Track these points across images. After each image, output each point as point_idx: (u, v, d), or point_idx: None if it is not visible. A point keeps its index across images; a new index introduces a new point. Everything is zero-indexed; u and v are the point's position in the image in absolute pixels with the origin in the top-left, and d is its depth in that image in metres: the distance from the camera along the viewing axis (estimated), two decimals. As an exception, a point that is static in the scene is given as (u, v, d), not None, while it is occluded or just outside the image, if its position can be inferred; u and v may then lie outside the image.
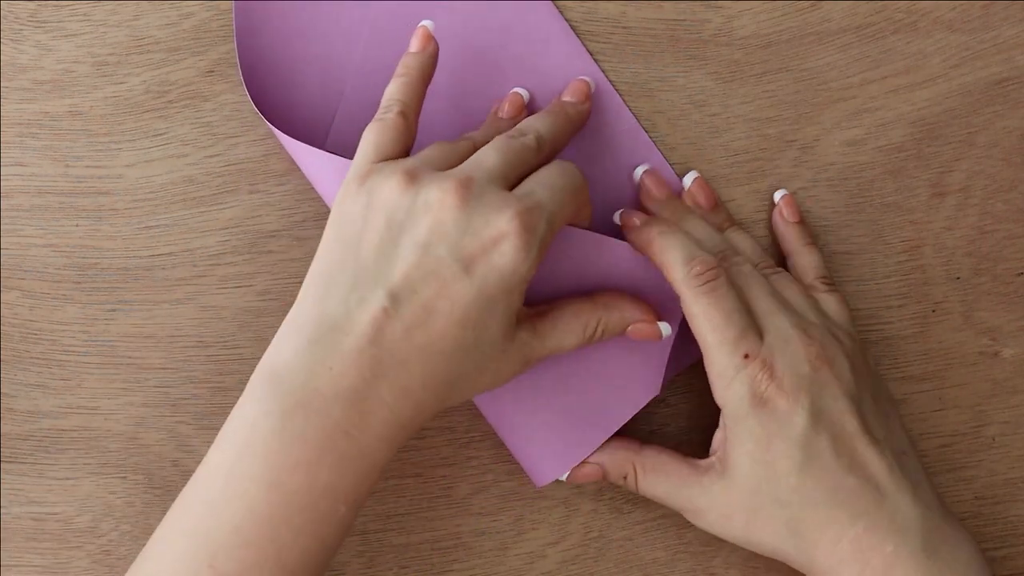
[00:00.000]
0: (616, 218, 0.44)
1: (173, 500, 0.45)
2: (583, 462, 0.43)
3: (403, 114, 0.39)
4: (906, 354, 0.46)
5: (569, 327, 0.40)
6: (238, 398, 0.45)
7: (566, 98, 0.44)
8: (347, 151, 0.44)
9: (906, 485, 0.39)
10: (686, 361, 0.45)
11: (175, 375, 0.45)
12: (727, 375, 0.39)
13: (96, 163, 0.45)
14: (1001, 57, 0.46)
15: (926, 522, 0.38)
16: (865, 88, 0.46)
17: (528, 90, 0.45)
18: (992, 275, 0.46)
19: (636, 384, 0.45)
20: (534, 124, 0.41)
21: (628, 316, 0.41)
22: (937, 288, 0.46)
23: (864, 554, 0.38)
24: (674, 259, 0.40)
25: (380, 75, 0.44)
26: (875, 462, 0.39)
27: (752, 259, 0.44)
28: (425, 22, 0.42)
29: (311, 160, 0.43)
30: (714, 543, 0.46)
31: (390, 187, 0.36)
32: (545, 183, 0.38)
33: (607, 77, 0.45)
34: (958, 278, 0.46)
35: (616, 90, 0.45)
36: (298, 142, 0.43)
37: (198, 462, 0.45)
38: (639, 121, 0.46)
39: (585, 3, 0.46)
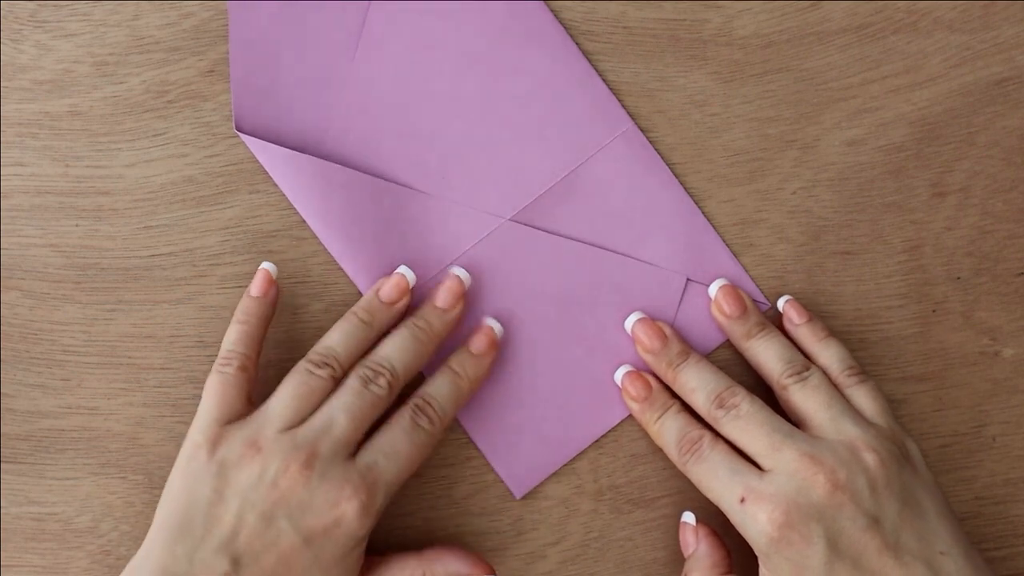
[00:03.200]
0: (617, 377, 0.45)
1: (173, 500, 0.45)
2: (689, 525, 0.44)
3: (243, 368, 0.41)
4: (906, 354, 0.46)
5: None
6: (238, 398, 0.44)
7: (437, 303, 0.43)
8: (345, 159, 0.44)
9: None
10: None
11: (175, 375, 0.45)
12: (737, 521, 0.40)
13: (96, 163, 0.45)
14: (1001, 57, 0.46)
15: None
16: (865, 88, 0.46)
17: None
18: (992, 275, 0.46)
19: (613, 400, 0.45)
20: (391, 357, 0.41)
21: (452, 570, 0.42)
22: (937, 288, 0.46)
23: None
24: (666, 444, 0.43)
25: (375, 80, 0.44)
26: None
27: (778, 372, 0.43)
28: (266, 264, 0.43)
29: (301, 169, 0.44)
30: (714, 543, 0.46)
31: (236, 462, 0.39)
32: (389, 451, 0.40)
33: (605, 78, 0.45)
34: (958, 278, 0.46)
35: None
36: (286, 150, 0.44)
37: (198, 462, 0.45)
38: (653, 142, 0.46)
39: (585, 3, 0.46)
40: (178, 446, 0.45)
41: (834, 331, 0.46)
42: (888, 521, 0.39)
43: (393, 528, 0.45)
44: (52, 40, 0.45)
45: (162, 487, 0.45)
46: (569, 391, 0.45)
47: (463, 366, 0.43)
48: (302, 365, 0.41)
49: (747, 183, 0.46)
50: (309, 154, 0.44)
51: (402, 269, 0.43)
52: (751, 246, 0.46)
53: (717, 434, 0.42)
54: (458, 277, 0.44)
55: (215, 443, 0.39)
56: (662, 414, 0.43)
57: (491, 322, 0.44)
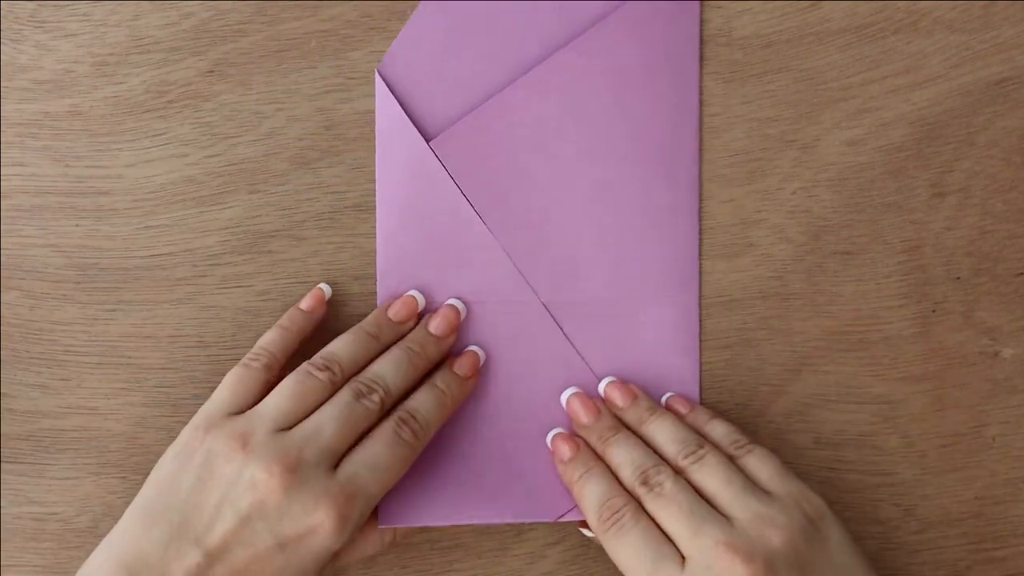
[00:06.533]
0: (549, 440, 0.45)
1: (173, 500, 0.45)
2: None
3: (268, 367, 0.42)
4: (906, 354, 0.46)
5: None
6: (238, 398, 0.44)
7: (432, 329, 0.44)
8: (445, 159, 0.45)
9: None
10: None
11: (175, 375, 0.45)
12: None
13: (96, 163, 0.45)
14: (1001, 57, 0.46)
15: None
16: (865, 88, 0.46)
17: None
18: (992, 275, 0.46)
19: (538, 500, 0.44)
20: (384, 375, 0.42)
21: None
22: (937, 288, 0.46)
23: None
24: (588, 506, 0.42)
25: (513, 111, 0.45)
26: None
27: (673, 453, 0.42)
28: (322, 285, 0.45)
29: (407, 143, 0.45)
30: (714, 543, 0.46)
31: (223, 453, 0.39)
32: (371, 463, 0.40)
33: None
34: (958, 278, 0.46)
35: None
36: (406, 117, 0.45)
37: (198, 462, 0.45)
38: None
39: (585, 3, 0.46)
40: (178, 446, 0.45)
41: (834, 331, 0.46)
42: None
43: (393, 528, 0.45)
44: (52, 40, 0.45)
45: (162, 487, 0.45)
46: (484, 470, 0.44)
47: (447, 384, 0.43)
48: (303, 367, 0.41)
49: (747, 183, 0.46)
50: (416, 125, 0.45)
51: (413, 292, 0.45)
52: (751, 246, 0.46)
53: (640, 507, 0.41)
54: (455, 308, 0.44)
55: (209, 430, 0.40)
56: (584, 473, 0.43)
57: (476, 348, 0.45)
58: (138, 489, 0.45)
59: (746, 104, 0.46)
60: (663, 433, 0.43)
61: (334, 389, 0.41)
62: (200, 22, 0.45)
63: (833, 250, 0.46)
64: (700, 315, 0.46)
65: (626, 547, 0.40)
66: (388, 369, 0.42)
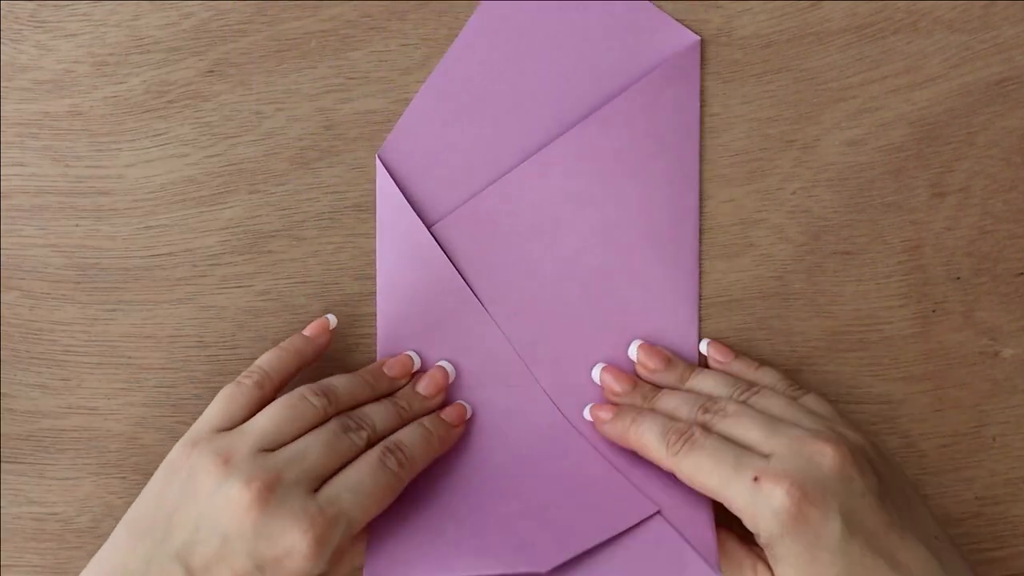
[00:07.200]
0: (586, 414, 0.45)
1: (173, 500, 0.45)
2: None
3: (260, 385, 0.42)
4: (906, 354, 0.46)
5: None
6: (238, 398, 0.44)
7: (420, 389, 0.44)
8: (449, 245, 0.45)
9: (940, 572, 0.38)
10: None
11: (175, 375, 0.45)
12: (747, 504, 0.38)
13: (96, 163, 0.45)
14: (1001, 57, 0.46)
15: None
16: (865, 88, 0.46)
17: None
18: (992, 275, 0.46)
19: (530, 552, 0.42)
20: (374, 418, 0.42)
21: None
22: (937, 288, 0.46)
23: None
24: (650, 441, 0.41)
25: (517, 197, 0.45)
26: (909, 555, 0.38)
27: (726, 395, 0.43)
28: (329, 316, 0.45)
29: (407, 227, 0.45)
30: (714, 543, 0.46)
31: (206, 469, 0.39)
32: (354, 487, 0.39)
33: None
34: (958, 278, 0.46)
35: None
36: (407, 205, 0.45)
37: (198, 462, 0.45)
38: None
39: (585, 3, 0.46)
40: (178, 446, 0.45)
41: (834, 331, 0.46)
42: (890, 499, 0.38)
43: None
44: (52, 40, 0.45)
45: (162, 487, 0.45)
46: (478, 529, 0.43)
47: (434, 425, 0.43)
48: (300, 389, 0.41)
49: (747, 183, 0.46)
50: (417, 210, 0.45)
51: (410, 352, 0.45)
52: (751, 246, 0.46)
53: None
54: (443, 369, 0.45)
55: (195, 445, 0.40)
56: (635, 416, 0.43)
57: (464, 403, 0.45)
58: (138, 489, 0.45)
59: (746, 104, 0.46)
60: (711, 381, 0.43)
61: (324, 419, 0.41)
62: (200, 22, 0.45)
63: (833, 250, 0.46)
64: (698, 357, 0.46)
65: (704, 457, 0.39)
66: (377, 414, 0.42)
